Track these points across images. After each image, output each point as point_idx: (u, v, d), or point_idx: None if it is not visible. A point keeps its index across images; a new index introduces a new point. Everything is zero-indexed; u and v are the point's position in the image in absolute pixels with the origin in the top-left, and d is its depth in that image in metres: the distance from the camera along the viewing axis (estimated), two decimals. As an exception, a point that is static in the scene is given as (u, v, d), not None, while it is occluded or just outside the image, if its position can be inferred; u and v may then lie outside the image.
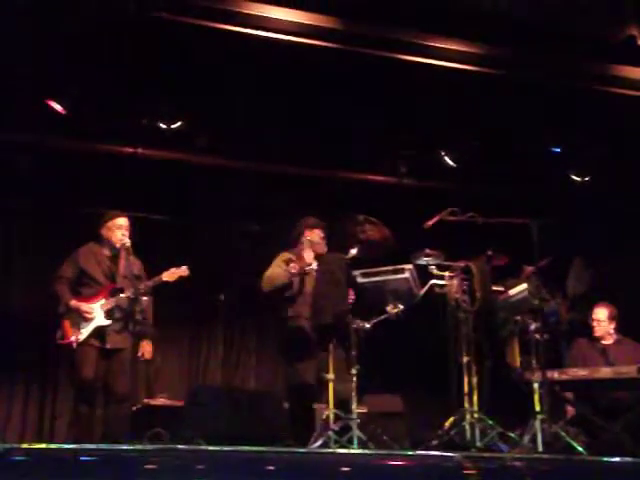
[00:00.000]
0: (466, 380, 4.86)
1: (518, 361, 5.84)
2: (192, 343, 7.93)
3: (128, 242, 5.44)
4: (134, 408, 6.07)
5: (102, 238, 5.52)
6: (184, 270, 5.55)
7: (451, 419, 4.81)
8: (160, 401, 6.65)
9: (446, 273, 5.23)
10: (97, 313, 5.31)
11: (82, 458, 2.32)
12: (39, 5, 5.43)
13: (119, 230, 5.48)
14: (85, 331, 5.26)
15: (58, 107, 6.52)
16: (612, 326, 6.20)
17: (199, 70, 6.21)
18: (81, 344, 5.23)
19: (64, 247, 6.14)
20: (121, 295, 5.35)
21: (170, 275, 5.49)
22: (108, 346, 5.30)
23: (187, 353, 7.88)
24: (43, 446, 2.50)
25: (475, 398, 4.83)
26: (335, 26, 5.82)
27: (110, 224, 5.51)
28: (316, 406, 5.41)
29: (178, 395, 6.86)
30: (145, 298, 5.35)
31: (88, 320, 5.27)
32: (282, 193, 7.51)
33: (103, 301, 5.34)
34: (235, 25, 5.69)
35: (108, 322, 5.31)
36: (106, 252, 5.51)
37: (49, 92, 6.48)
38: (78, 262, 5.46)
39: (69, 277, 5.43)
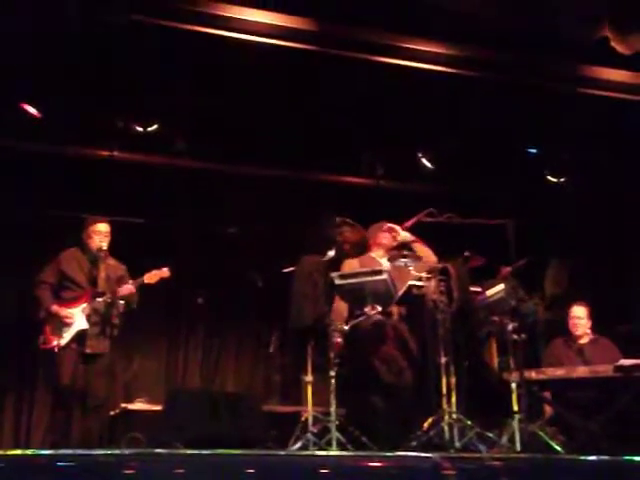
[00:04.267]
0: (444, 380, 4.88)
1: (496, 361, 5.88)
2: (171, 346, 7.86)
3: (104, 246, 5.44)
4: (112, 413, 6.03)
5: (83, 243, 5.52)
6: (165, 272, 5.55)
7: (430, 420, 4.82)
8: (138, 405, 6.59)
9: (424, 274, 5.23)
10: (78, 317, 5.28)
11: (59, 464, 2.30)
12: (8, 6, 5.39)
13: (97, 236, 5.48)
14: (67, 335, 5.24)
15: (33, 111, 6.47)
16: (589, 324, 6.26)
17: (175, 72, 6.19)
18: (62, 349, 5.21)
19: (40, 251, 6.12)
20: (98, 299, 5.32)
21: (151, 277, 5.49)
22: (88, 350, 5.27)
23: (165, 356, 7.81)
24: (19, 452, 2.48)
25: (453, 398, 4.85)
26: (310, 28, 5.82)
27: (89, 230, 5.52)
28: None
29: (156, 399, 6.80)
30: (122, 302, 5.33)
31: (68, 325, 5.25)
32: (260, 196, 7.50)
33: (84, 305, 5.32)
34: (211, 27, 5.69)
35: (88, 325, 5.28)
36: (87, 257, 5.50)
37: (21, 95, 6.43)
38: (60, 266, 5.44)
39: (51, 282, 5.41)
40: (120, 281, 5.49)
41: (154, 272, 5.51)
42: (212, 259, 7.62)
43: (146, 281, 5.48)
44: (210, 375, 7.91)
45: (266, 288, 7.08)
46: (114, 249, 5.61)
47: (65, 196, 6.99)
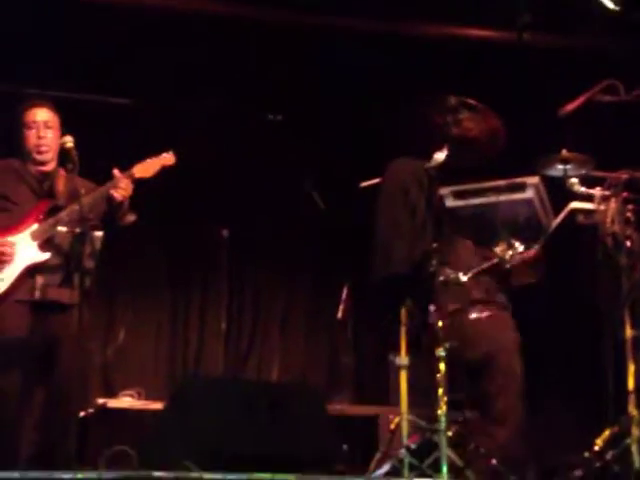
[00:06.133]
0: (631, 369, 4.78)
1: None
2: (176, 309, 7.94)
3: (44, 147, 5.46)
4: (82, 413, 6.09)
5: (19, 148, 5.55)
6: (167, 157, 5.52)
7: (606, 434, 4.74)
8: (125, 402, 6.67)
9: (597, 191, 5.11)
10: (23, 246, 5.31)
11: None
12: None
13: (31, 130, 5.49)
14: (8, 276, 5.28)
15: None
16: None
17: None
18: (2, 299, 5.26)
19: None
20: (59, 228, 5.33)
21: (145, 168, 5.45)
22: (37, 296, 5.30)
23: (168, 325, 7.91)
24: None
25: (647, 399, 4.77)
26: None
27: (21, 120, 5.54)
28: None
29: (154, 392, 6.88)
30: (98, 233, 5.32)
31: (6, 261, 5.29)
32: (320, 60, 7.49)
33: (35, 226, 5.35)
34: None
35: (45, 256, 5.31)
36: (32, 168, 5.54)
37: None
38: None
39: None
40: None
41: (150, 160, 5.48)
42: (243, 166, 7.61)
43: (137, 175, 5.43)
44: (241, 356, 7.97)
45: (331, 213, 7.05)
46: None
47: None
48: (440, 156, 5.08)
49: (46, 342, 5.34)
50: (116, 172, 5.38)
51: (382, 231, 5.20)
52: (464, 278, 5.11)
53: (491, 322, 5.29)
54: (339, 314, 6.96)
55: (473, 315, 5.28)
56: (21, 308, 5.28)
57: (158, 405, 6.28)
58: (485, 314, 5.28)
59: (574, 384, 5.37)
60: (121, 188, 5.33)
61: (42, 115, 5.54)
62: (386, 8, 7.45)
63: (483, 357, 5.20)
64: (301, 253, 7.91)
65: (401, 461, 4.77)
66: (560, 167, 5.34)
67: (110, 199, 5.35)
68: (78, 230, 5.26)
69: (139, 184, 5.39)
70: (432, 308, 5.04)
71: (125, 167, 5.42)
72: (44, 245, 5.33)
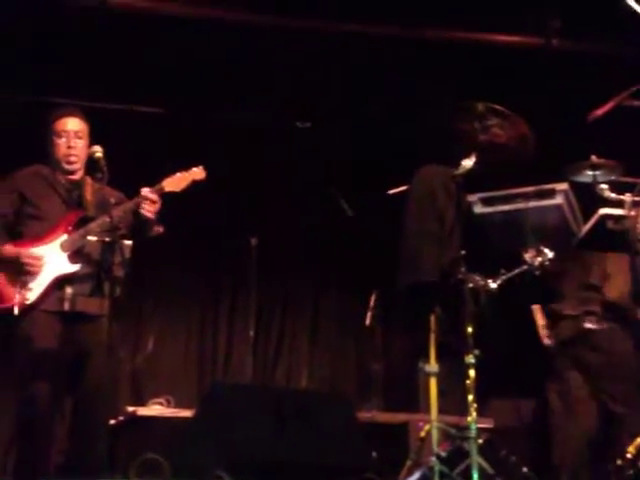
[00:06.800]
0: None
1: None
2: (205, 317, 7.96)
3: (74, 158, 5.48)
4: (112, 422, 6.09)
5: (49, 156, 5.55)
6: (199, 172, 5.51)
7: (637, 441, 4.71)
8: (155, 410, 6.67)
9: (627, 197, 5.10)
10: (52, 257, 5.32)
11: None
12: None
13: (62, 139, 5.50)
14: (37, 286, 5.27)
15: None
16: None
17: None
18: (31, 308, 5.27)
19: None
20: (89, 238, 5.34)
21: (176, 182, 5.43)
22: (66, 308, 5.33)
23: (197, 334, 7.92)
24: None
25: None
26: None
27: (52, 129, 5.55)
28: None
29: (184, 399, 6.89)
30: (128, 242, 5.33)
31: (35, 272, 5.30)
32: (350, 67, 7.47)
33: (64, 237, 5.35)
34: None
35: (74, 267, 5.32)
36: (61, 176, 5.55)
37: None
38: (16, 187, 5.49)
39: (3, 212, 5.47)
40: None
41: (180, 174, 5.47)
42: (271, 174, 7.64)
43: (167, 189, 5.42)
44: (270, 364, 7.97)
45: (359, 220, 7.04)
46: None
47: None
48: (468, 163, 5.06)
49: (75, 351, 5.33)
50: (144, 190, 5.40)
51: (410, 238, 5.17)
52: (493, 285, 5.06)
53: (609, 333, 5.43)
54: (367, 321, 6.97)
55: (591, 325, 5.47)
56: (50, 318, 5.27)
57: (187, 413, 6.27)
58: (605, 325, 5.46)
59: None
60: (151, 204, 5.34)
61: (73, 124, 5.54)
62: (413, 14, 7.41)
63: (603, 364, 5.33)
64: (329, 260, 7.89)
65: (431, 469, 4.76)
66: (589, 173, 5.31)
67: (138, 214, 5.37)
68: (108, 239, 5.27)
69: (168, 194, 5.42)
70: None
71: (153, 177, 5.43)
72: (74, 256, 5.33)
